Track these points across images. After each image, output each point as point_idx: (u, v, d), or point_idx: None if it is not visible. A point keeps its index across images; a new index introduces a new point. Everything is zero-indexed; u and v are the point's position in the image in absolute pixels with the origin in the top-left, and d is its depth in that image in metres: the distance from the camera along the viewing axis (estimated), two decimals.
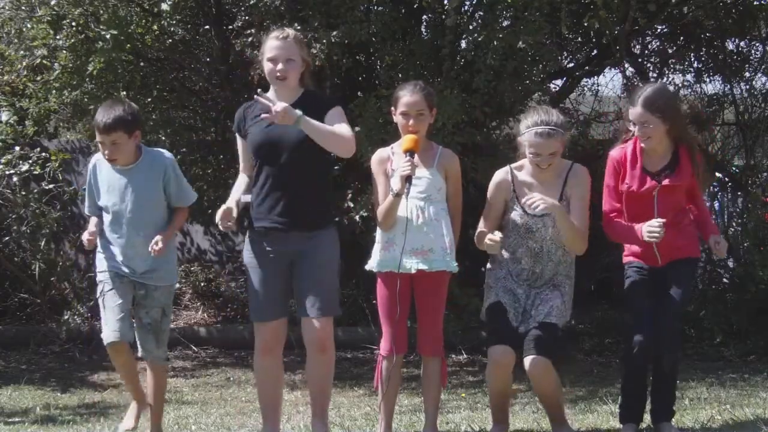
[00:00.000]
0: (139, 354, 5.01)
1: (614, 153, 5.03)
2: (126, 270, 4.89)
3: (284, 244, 4.77)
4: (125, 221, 4.86)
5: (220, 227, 4.72)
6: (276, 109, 4.55)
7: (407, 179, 4.74)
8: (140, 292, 4.94)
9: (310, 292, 4.77)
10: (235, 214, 4.71)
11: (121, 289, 4.87)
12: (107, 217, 4.91)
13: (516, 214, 4.91)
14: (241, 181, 4.94)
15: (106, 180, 4.90)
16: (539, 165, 4.83)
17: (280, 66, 4.75)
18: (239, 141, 4.96)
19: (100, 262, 4.96)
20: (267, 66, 4.80)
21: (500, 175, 4.98)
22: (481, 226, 4.97)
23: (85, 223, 5.16)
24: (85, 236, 4.86)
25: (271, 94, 4.81)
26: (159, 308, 4.97)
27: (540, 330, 4.78)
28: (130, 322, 4.90)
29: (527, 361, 4.77)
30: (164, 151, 5.05)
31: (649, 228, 4.79)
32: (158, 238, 4.77)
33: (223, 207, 4.73)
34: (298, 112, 4.59)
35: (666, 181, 4.89)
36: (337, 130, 4.70)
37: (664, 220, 4.79)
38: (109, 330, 4.83)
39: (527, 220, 4.88)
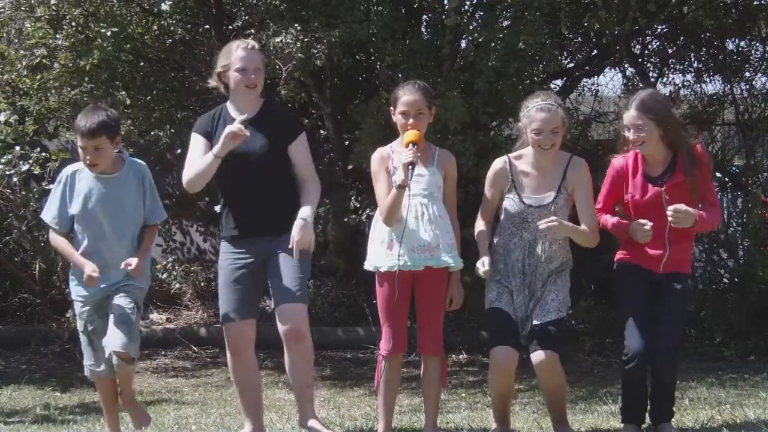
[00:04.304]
0: (106, 352, 4.77)
1: (616, 162, 5.03)
2: (102, 286, 4.79)
3: (255, 246, 4.92)
4: (107, 231, 4.80)
5: (236, 128, 4.73)
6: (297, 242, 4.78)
7: (410, 166, 4.76)
8: (112, 290, 4.86)
9: (284, 279, 4.86)
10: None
11: (103, 323, 4.79)
12: (86, 229, 4.81)
13: (511, 203, 4.91)
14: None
15: (86, 188, 4.81)
16: (542, 146, 4.84)
17: (251, 76, 4.90)
18: (202, 142, 4.97)
19: (77, 289, 4.86)
20: (235, 76, 4.91)
21: (498, 163, 5.00)
22: (479, 220, 4.99)
23: None
24: (89, 272, 4.67)
25: (234, 104, 4.98)
26: (130, 299, 4.79)
27: (546, 325, 4.79)
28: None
29: (534, 356, 4.78)
30: (142, 162, 5.01)
31: (643, 230, 4.80)
32: (133, 259, 4.72)
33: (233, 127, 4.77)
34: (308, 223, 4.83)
35: (667, 184, 4.87)
36: (312, 194, 4.93)
37: (651, 224, 4.80)
38: (95, 366, 4.87)
39: (522, 210, 4.88)
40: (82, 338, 4.92)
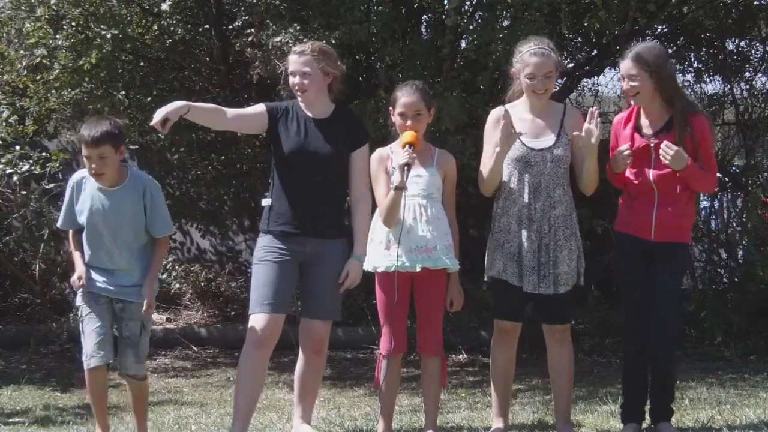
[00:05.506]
0: (119, 369, 4.96)
1: (617, 116, 5.11)
2: (103, 288, 4.86)
3: (300, 246, 4.90)
4: (107, 241, 4.85)
5: (158, 118, 4.65)
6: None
7: (406, 167, 4.76)
8: (118, 305, 4.90)
9: (319, 295, 4.94)
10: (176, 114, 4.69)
11: (98, 311, 4.86)
12: (87, 237, 4.89)
13: (512, 148, 4.89)
14: (218, 109, 4.98)
15: (89, 198, 4.86)
16: (536, 90, 4.88)
17: (297, 79, 4.92)
18: (261, 108, 4.99)
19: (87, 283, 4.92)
20: (289, 78, 5.00)
21: (496, 111, 5.04)
22: (484, 166, 4.96)
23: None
24: (75, 279, 4.85)
25: (300, 104, 5.00)
26: (138, 321, 4.91)
27: (555, 299, 4.89)
28: (110, 343, 4.87)
29: (546, 329, 5.00)
30: (149, 176, 5.03)
31: (621, 154, 4.84)
32: (147, 301, 4.81)
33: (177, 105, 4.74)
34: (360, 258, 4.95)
35: (655, 140, 4.86)
36: (365, 223, 4.95)
37: (628, 145, 4.84)
38: (88, 355, 4.86)
39: (525, 153, 4.88)
40: (81, 326, 4.95)
